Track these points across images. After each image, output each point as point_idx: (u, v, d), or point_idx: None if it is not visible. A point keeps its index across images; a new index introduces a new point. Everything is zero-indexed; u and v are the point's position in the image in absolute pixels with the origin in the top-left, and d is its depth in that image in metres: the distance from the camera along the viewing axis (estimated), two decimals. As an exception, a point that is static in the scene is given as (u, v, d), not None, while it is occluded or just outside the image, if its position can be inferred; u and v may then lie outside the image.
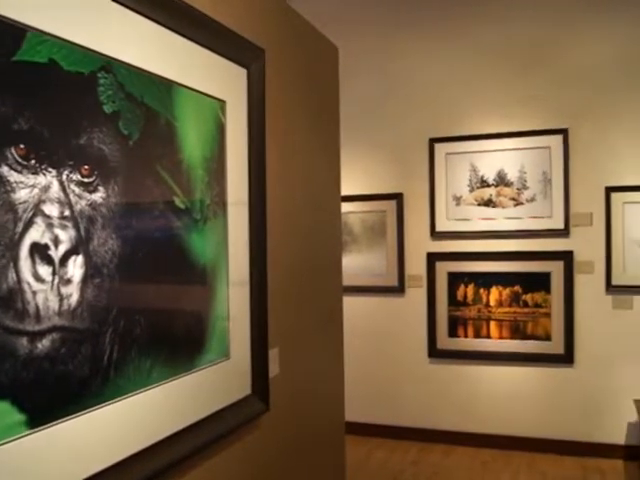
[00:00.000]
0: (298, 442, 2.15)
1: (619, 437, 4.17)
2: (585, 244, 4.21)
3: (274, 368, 1.93)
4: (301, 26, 2.24)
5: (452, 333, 4.45)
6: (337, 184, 2.57)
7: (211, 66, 1.59)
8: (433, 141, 4.44)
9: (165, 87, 1.42)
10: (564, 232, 4.22)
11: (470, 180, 4.38)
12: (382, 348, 4.65)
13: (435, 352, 4.50)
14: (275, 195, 1.92)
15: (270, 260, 1.84)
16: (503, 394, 4.39)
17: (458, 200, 4.40)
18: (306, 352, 2.22)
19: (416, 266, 4.55)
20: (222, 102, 1.64)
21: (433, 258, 4.47)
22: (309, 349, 2.25)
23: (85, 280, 1.18)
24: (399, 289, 4.56)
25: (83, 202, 1.18)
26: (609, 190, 4.14)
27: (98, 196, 1.22)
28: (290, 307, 2.08)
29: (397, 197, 4.55)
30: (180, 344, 1.47)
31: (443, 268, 4.44)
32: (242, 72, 1.74)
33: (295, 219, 2.13)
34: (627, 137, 4.14)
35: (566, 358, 4.23)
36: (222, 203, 1.63)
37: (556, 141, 4.20)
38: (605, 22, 4.17)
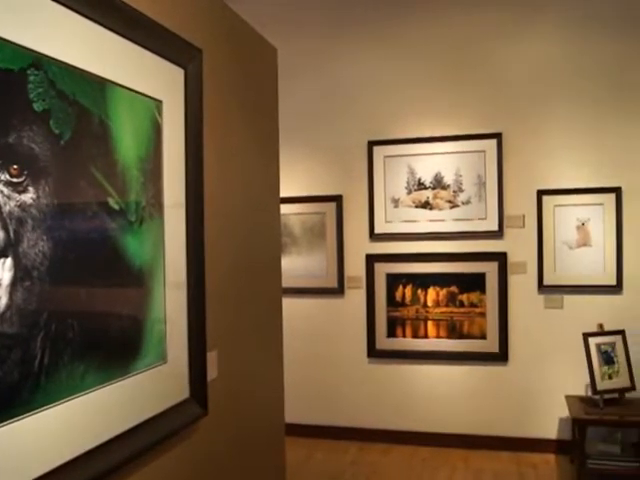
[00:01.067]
0: (238, 445, 2.14)
1: (551, 432, 4.27)
2: (518, 245, 4.31)
3: (212, 371, 1.91)
4: (240, 27, 2.23)
5: (391, 333, 4.47)
6: (276, 185, 2.57)
7: (147, 65, 1.57)
8: (372, 144, 4.47)
9: (99, 86, 1.39)
10: (498, 234, 4.30)
11: (408, 183, 4.41)
12: (322, 349, 4.64)
13: (374, 352, 4.50)
14: (213, 196, 1.91)
15: (208, 262, 1.83)
16: (440, 392, 4.44)
17: (396, 202, 4.44)
18: (245, 354, 2.21)
19: (355, 267, 4.56)
20: (158, 102, 1.62)
21: (372, 259, 4.48)
22: (248, 351, 2.24)
23: (14, 283, 1.14)
24: (339, 290, 4.56)
25: (12, 203, 1.15)
26: (541, 193, 4.25)
27: (28, 197, 1.18)
28: (229, 309, 2.07)
29: (337, 199, 4.55)
30: (115, 348, 1.44)
31: (382, 269, 4.47)
32: (179, 72, 1.72)
33: (233, 220, 2.11)
34: (558, 143, 4.25)
35: (501, 356, 4.32)
36: (158, 204, 1.61)
37: (490, 145, 4.29)
38: (538, 31, 4.29)
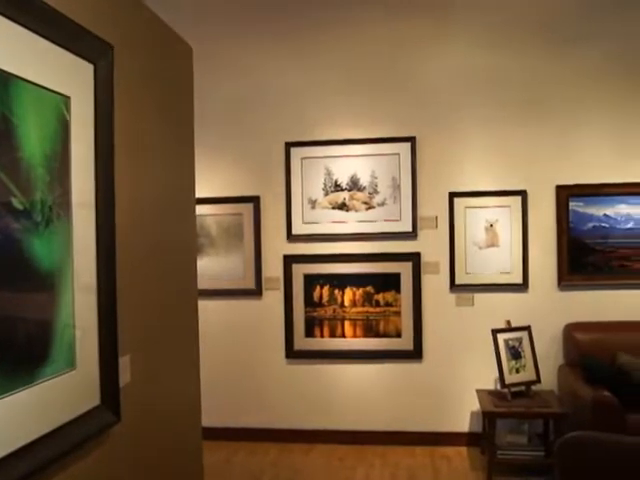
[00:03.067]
0: (153, 452, 2.08)
1: (463, 425, 4.38)
2: (431, 246, 4.39)
3: (125, 376, 1.84)
4: (155, 25, 2.17)
5: (309, 333, 4.47)
6: (192, 185, 2.51)
7: (54, 60, 1.49)
8: (289, 145, 4.45)
9: (2, 80, 1.31)
10: (412, 235, 4.37)
11: (325, 184, 4.43)
12: (240, 351, 4.58)
13: (292, 353, 4.50)
14: (125, 196, 1.84)
15: (119, 264, 1.76)
16: (358, 391, 4.47)
17: (313, 203, 4.44)
18: (160, 358, 2.15)
19: (273, 269, 4.53)
20: (66, 98, 1.54)
21: (290, 260, 4.47)
22: (164, 355, 2.18)
23: None
24: (257, 292, 4.52)
25: None
26: (452, 195, 4.36)
27: None
28: (142, 312, 2.01)
29: (254, 200, 4.52)
30: (21, 355, 1.36)
31: (299, 270, 4.46)
32: (89, 67, 1.65)
33: (147, 221, 2.05)
34: (469, 147, 4.38)
35: (415, 354, 4.39)
36: (66, 204, 1.53)
37: (405, 148, 4.35)
38: (453, 40, 4.39)
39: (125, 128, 1.85)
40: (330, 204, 4.43)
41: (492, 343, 3.97)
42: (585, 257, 4.32)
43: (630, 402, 3.56)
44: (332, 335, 4.46)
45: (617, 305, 4.28)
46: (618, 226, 4.29)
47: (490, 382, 4.29)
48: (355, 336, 4.44)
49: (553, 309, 4.33)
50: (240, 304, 4.57)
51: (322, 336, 4.47)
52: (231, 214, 4.53)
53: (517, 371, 3.98)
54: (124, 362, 1.83)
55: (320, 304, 4.46)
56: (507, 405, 3.85)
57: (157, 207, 2.14)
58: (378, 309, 4.40)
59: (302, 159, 4.45)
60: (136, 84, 1.98)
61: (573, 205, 4.32)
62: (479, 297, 4.38)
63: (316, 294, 4.46)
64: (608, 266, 4.30)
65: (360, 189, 4.40)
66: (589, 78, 4.31)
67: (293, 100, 4.51)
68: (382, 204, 4.39)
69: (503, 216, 4.33)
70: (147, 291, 2.04)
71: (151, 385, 2.06)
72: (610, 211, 4.30)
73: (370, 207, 4.39)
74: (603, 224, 4.31)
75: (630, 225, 4.30)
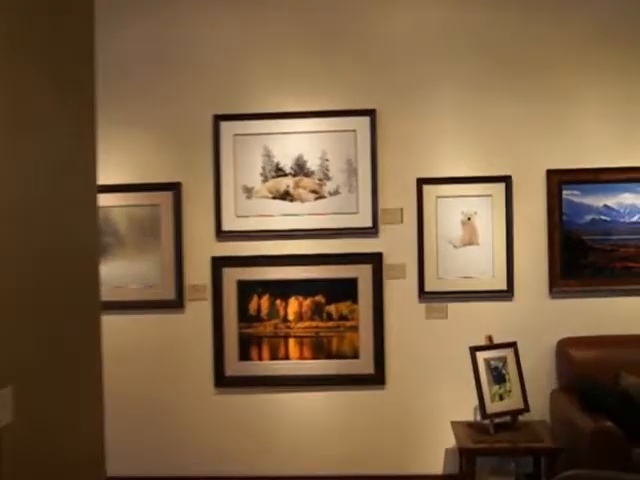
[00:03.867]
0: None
1: (436, 466, 4.40)
2: (395, 244, 4.40)
3: (5, 414, 1.77)
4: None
5: (244, 355, 4.45)
6: (92, 169, 2.43)
7: None
8: (219, 119, 4.43)
9: None
10: (372, 231, 4.37)
11: (264, 168, 4.41)
12: (156, 379, 4.52)
13: (223, 380, 4.46)
14: (0, 183, 1.77)
15: (-4, 272, 1.69)
16: (306, 426, 4.47)
17: (249, 192, 4.42)
18: (52, 391, 2.08)
19: (199, 274, 4.49)
20: None
21: (220, 263, 4.44)
22: (57, 387, 2.11)
23: None
24: (178, 303, 4.48)
25: None
26: (421, 182, 4.37)
27: None
28: (26, 334, 1.93)
29: (174, 187, 4.48)
30: None
31: (232, 276, 4.43)
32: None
33: (31, 214, 1.97)
34: (442, 124, 4.40)
35: (377, 378, 4.39)
36: None
37: (363, 124, 4.36)
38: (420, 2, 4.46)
39: (1, 95, 1.78)
40: (270, 193, 4.42)
41: (470, 364, 3.98)
42: (582, 257, 4.36)
43: (636, 433, 3.59)
44: (273, 357, 4.44)
45: (620, 315, 4.34)
46: (621, 219, 4.34)
47: (469, 412, 4.32)
48: (302, 358, 4.43)
49: (544, 321, 4.38)
50: (156, 319, 4.52)
51: (260, 358, 4.45)
52: (145, 205, 4.49)
53: (501, 398, 4.00)
54: (3, 396, 1.76)
55: (258, 318, 4.43)
56: (489, 440, 3.86)
57: (46, 197, 2.06)
58: (330, 324, 4.39)
59: (235, 136, 4.42)
60: (20, 40, 1.91)
61: (567, 194, 4.36)
62: (454, 307, 4.41)
63: (253, 306, 4.44)
64: (609, 268, 4.35)
65: (308, 174, 4.40)
66: (588, 42, 4.37)
67: (226, 61, 4.48)
68: (335, 193, 4.39)
69: (483, 208, 4.37)
70: (33, 305, 1.97)
71: (40, 424, 1.99)
72: (611, 201, 4.35)
73: (320, 197, 4.40)
74: (603, 217, 4.34)
75: (635, 218, 4.35)
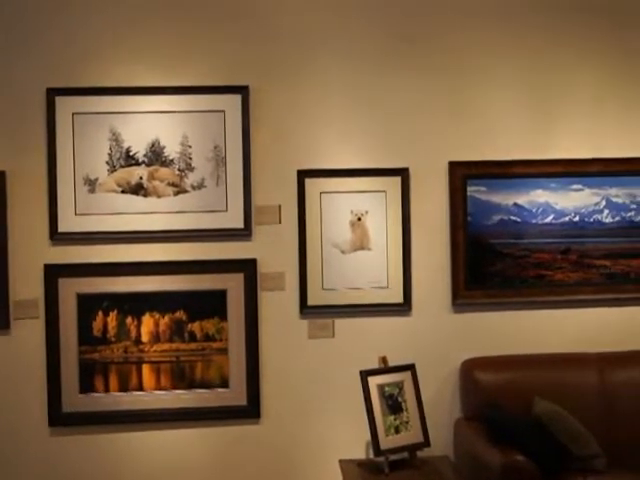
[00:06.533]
0: None
1: (322, 514, 4.44)
2: (272, 249, 4.28)
3: None
4: None
5: (86, 387, 4.20)
6: None
7: None
8: (53, 93, 4.16)
9: None
10: (244, 233, 4.22)
11: (111, 155, 4.19)
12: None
13: (60, 418, 4.18)
14: None
15: None
16: (166, 471, 4.25)
17: (92, 185, 4.18)
18: None
19: (28, 286, 4.21)
20: None
21: (55, 273, 4.18)
22: None
23: None
24: (1, 323, 4.17)
25: None
26: (303, 175, 4.24)
27: None
28: None
29: (-7, 178, 4.22)
30: None
31: (71, 287, 4.18)
32: None
33: None
34: (328, 107, 4.29)
35: (250, 411, 4.25)
36: None
37: (232, 103, 4.21)
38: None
39: None
40: (119, 186, 4.19)
41: (361, 391, 3.86)
42: (489, 264, 4.35)
43: (551, 465, 3.62)
44: (123, 388, 4.22)
45: (533, 332, 4.37)
46: (533, 220, 4.35)
47: (360, 448, 4.21)
48: (159, 388, 4.23)
49: (446, 339, 4.34)
50: (-28, 342, 4.27)
51: (107, 390, 4.21)
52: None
53: (397, 431, 3.90)
54: None
55: (104, 340, 4.20)
56: (383, 482, 3.81)
57: None
58: (194, 346, 4.23)
59: (74, 115, 4.16)
60: None
61: (473, 190, 4.32)
62: (342, 324, 4.29)
63: (97, 325, 4.20)
64: (520, 277, 4.35)
65: (165, 163, 4.20)
66: (500, 21, 4.38)
67: (63, 23, 4.22)
68: (199, 187, 4.22)
69: (376, 206, 4.29)
70: None
71: None
72: (523, 199, 4.34)
73: (181, 191, 4.21)
74: (513, 217, 4.34)
75: (549, 219, 4.36)
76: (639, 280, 4.35)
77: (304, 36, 4.28)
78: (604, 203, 4.33)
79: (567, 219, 4.31)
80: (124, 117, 4.17)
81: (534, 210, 4.33)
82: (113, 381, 4.21)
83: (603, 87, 4.40)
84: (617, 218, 4.33)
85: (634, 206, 4.33)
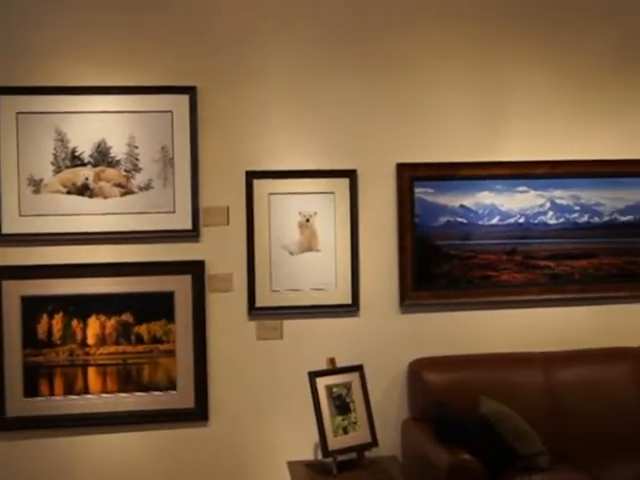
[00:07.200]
0: None
1: (271, 517, 4.41)
2: (220, 251, 4.26)
3: None
4: None
5: (31, 390, 4.15)
6: None
7: None
8: None
9: None
10: (192, 234, 4.21)
11: (56, 155, 4.13)
12: None
13: (4, 422, 4.13)
14: None
15: None
16: (113, 475, 4.21)
17: (37, 185, 4.13)
18: None
19: None
20: None
21: None
22: None
23: None
24: None
25: None
26: (251, 176, 4.24)
27: None
28: None
29: None
30: None
31: (15, 291, 4.13)
32: None
33: None
34: (277, 108, 4.29)
35: (198, 414, 4.23)
36: None
37: (181, 104, 4.19)
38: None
39: None
40: (64, 187, 4.14)
41: (309, 392, 3.86)
42: (436, 265, 4.37)
43: (498, 465, 3.64)
44: (69, 391, 4.17)
45: (480, 332, 4.39)
46: (480, 222, 4.38)
47: (308, 449, 4.23)
48: (105, 391, 4.20)
49: (394, 340, 4.34)
50: None
51: (52, 393, 4.15)
52: None
53: (345, 431, 3.91)
54: None
55: (49, 343, 4.13)
56: (331, 482, 3.81)
57: None
58: (141, 348, 4.20)
59: (18, 114, 4.11)
60: None
61: (420, 192, 4.33)
62: (291, 325, 4.30)
63: (42, 328, 4.14)
64: (467, 278, 4.38)
65: (112, 164, 4.17)
66: (447, 21, 4.39)
67: (5, 15, 4.14)
68: (146, 188, 4.18)
69: (324, 207, 4.30)
70: None
71: None
72: (469, 201, 4.37)
73: (128, 192, 4.18)
74: (460, 219, 4.37)
75: (495, 220, 4.39)
76: (582, 280, 4.40)
77: (252, 37, 4.25)
78: (549, 205, 4.37)
79: (512, 220, 4.35)
80: (70, 117, 4.12)
81: (480, 212, 4.35)
82: (58, 384, 4.16)
83: (550, 89, 4.45)
84: (561, 219, 4.38)
85: (578, 208, 4.38)
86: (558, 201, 4.36)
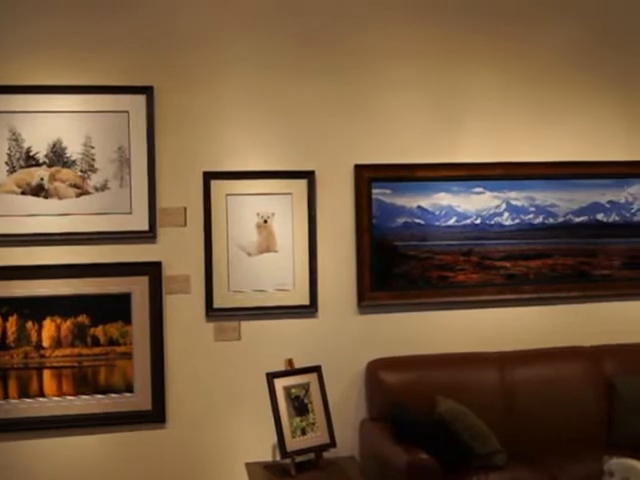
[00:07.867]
0: None
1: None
2: (178, 252, 4.25)
3: None
4: None
5: None
6: None
7: None
8: None
9: None
10: (149, 235, 4.19)
11: (10, 155, 4.11)
12: None
13: None
14: None
15: None
16: (69, 478, 4.18)
17: None
18: None
19: None
20: None
21: None
22: None
23: None
24: None
25: None
26: (208, 177, 4.23)
27: None
28: None
29: None
30: None
31: None
32: None
33: None
34: (232, 105, 4.29)
35: (155, 415, 4.22)
36: None
37: (137, 104, 4.18)
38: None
39: None
40: (18, 187, 4.12)
41: (268, 393, 3.87)
42: (394, 266, 4.38)
43: (455, 464, 3.69)
44: (23, 394, 4.14)
45: (437, 332, 4.42)
46: (436, 223, 4.41)
47: (266, 451, 4.23)
48: (61, 394, 4.17)
49: (352, 340, 4.36)
50: None
51: (7, 396, 4.12)
52: None
53: (303, 432, 3.93)
54: None
55: (3, 346, 4.11)
56: (290, 483, 3.81)
57: None
58: (97, 350, 4.18)
59: None
60: None
61: (378, 193, 4.35)
62: (248, 326, 4.30)
63: None
64: (424, 278, 4.40)
65: (67, 164, 4.14)
66: (401, 14, 4.42)
67: None
68: (102, 188, 4.17)
69: (282, 208, 4.31)
70: None
71: None
72: (426, 202, 4.39)
73: (84, 193, 4.15)
74: (417, 220, 4.39)
75: (452, 222, 4.43)
76: (537, 281, 4.47)
77: (211, 37, 4.26)
78: (504, 206, 4.43)
79: (469, 222, 4.40)
80: (24, 116, 4.10)
81: (437, 213, 4.38)
82: (13, 387, 4.13)
83: (505, 90, 4.50)
84: (517, 221, 4.44)
85: (533, 209, 4.45)
86: (513, 202, 4.42)
